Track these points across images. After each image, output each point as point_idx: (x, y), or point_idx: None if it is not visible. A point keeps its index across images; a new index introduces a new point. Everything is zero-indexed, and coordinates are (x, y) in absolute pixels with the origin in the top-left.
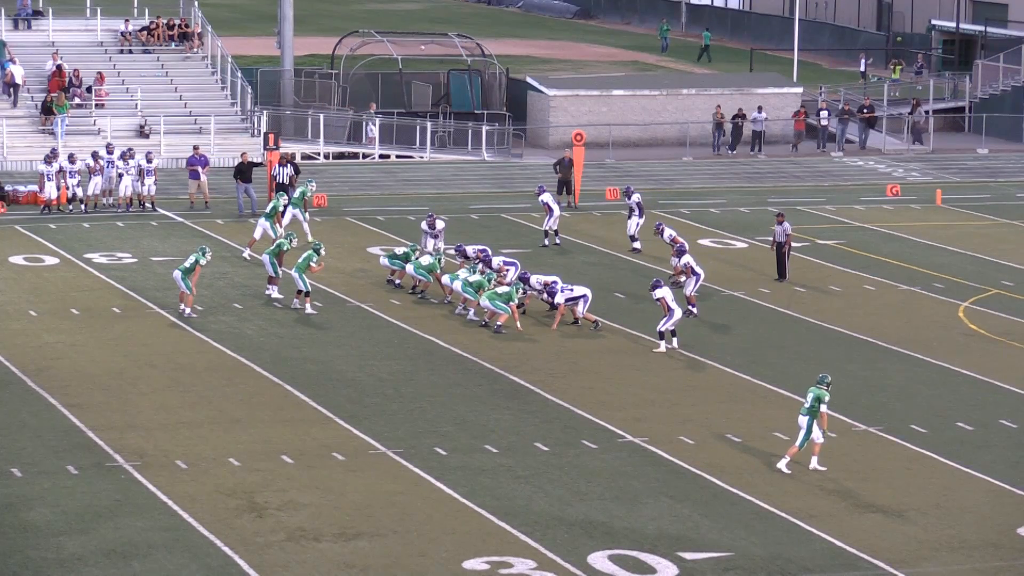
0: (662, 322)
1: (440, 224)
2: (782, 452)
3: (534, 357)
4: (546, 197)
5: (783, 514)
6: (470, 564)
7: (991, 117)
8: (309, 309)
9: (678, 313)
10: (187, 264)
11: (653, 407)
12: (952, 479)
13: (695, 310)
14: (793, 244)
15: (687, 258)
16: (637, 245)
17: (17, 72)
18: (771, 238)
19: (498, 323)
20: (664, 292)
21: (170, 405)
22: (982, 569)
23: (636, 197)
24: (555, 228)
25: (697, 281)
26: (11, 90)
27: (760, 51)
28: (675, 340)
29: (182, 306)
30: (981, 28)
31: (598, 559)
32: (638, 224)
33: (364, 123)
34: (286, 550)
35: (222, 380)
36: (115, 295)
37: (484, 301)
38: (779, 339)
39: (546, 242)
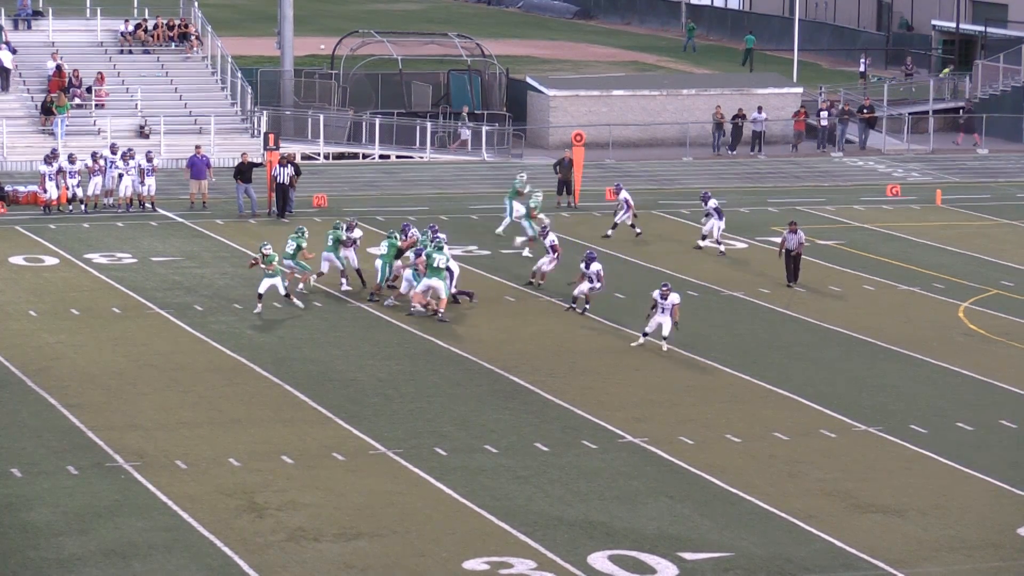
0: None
1: (358, 232)
2: (782, 453)
3: (534, 357)
4: (624, 194)
5: (783, 514)
6: (470, 564)
7: (991, 117)
8: (297, 302)
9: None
10: (289, 251)
11: (653, 407)
12: (952, 479)
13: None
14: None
15: (596, 266)
16: (610, 233)
17: (6, 57)
18: (779, 244)
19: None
20: (675, 298)
21: (170, 405)
22: (982, 569)
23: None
24: (629, 222)
25: (594, 287)
26: (1, 75)
27: (760, 51)
28: (665, 344)
29: (300, 285)
30: (981, 28)
31: (598, 559)
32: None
33: (457, 127)
34: (286, 550)
35: (222, 380)
36: (115, 295)
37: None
38: (779, 339)
39: (609, 232)
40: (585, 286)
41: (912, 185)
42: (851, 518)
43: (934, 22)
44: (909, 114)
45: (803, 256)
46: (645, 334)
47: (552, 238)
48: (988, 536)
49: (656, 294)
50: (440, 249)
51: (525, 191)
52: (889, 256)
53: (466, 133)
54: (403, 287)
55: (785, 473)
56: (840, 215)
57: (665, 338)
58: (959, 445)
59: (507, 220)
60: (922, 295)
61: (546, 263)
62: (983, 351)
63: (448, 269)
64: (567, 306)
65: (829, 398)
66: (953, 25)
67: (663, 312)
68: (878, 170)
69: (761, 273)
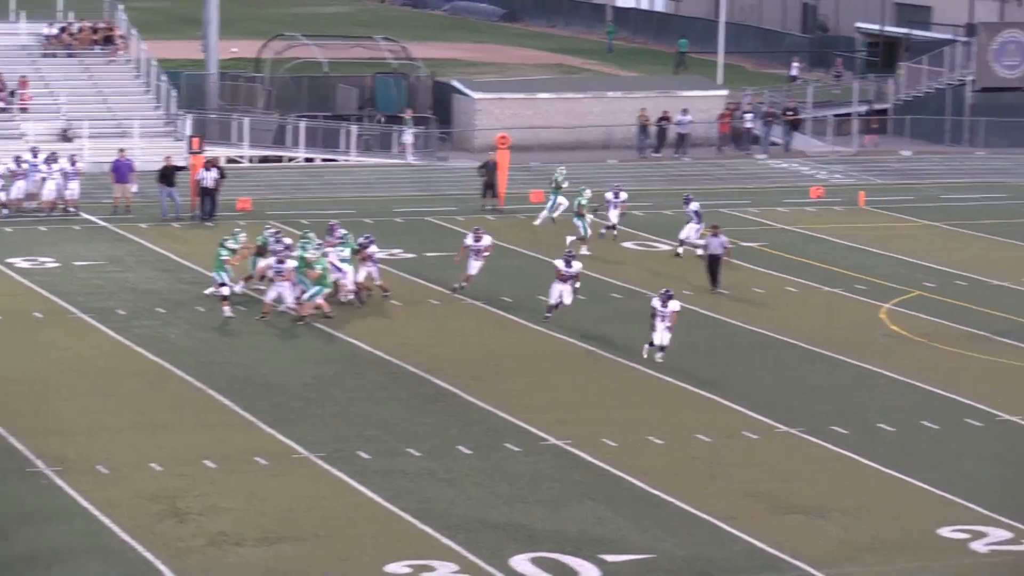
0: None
1: (288, 240)
2: (705, 455)
3: (457, 360)
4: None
5: (704, 516)
6: (392, 568)
7: (914, 119)
8: (227, 311)
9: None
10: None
11: (576, 410)
12: (873, 480)
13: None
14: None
15: (577, 264)
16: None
17: None
18: (702, 247)
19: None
20: (675, 305)
21: (92, 410)
22: (903, 569)
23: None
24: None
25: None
26: None
27: (686, 53)
28: (660, 353)
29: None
30: (905, 30)
31: (520, 562)
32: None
33: (401, 130)
34: (208, 555)
35: (145, 385)
36: (37, 300)
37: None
38: (702, 341)
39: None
40: (566, 291)
41: (835, 187)
42: (773, 519)
43: (857, 24)
44: (833, 116)
45: (727, 259)
46: (651, 344)
47: (487, 240)
48: (909, 536)
49: (656, 302)
50: (326, 255)
51: (565, 185)
52: (812, 258)
53: (408, 136)
54: (271, 295)
55: (707, 474)
56: (763, 217)
57: (662, 349)
58: (881, 446)
59: (544, 213)
60: (844, 297)
61: (475, 267)
62: (904, 352)
63: (339, 269)
64: (545, 316)
65: (752, 400)
66: (877, 27)
67: (663, 320)
68: (802, 172)
69: (683, 277)
